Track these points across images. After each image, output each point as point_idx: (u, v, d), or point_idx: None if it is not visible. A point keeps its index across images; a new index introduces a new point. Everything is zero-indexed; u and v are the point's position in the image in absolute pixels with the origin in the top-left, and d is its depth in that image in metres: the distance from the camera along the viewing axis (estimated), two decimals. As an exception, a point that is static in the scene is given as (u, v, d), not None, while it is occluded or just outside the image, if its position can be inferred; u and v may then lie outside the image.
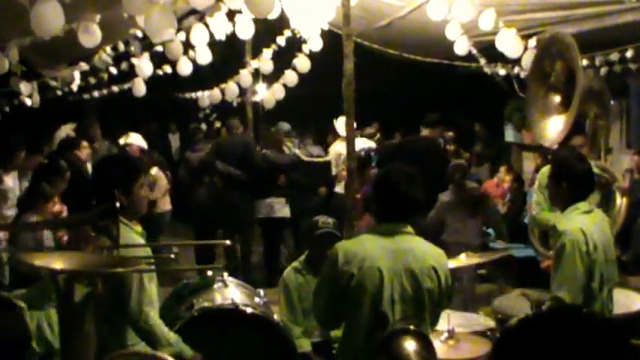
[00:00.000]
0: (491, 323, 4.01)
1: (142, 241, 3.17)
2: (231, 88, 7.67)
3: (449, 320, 3.52)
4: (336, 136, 8.49)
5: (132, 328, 3.04)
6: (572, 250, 3.33)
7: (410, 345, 2.64)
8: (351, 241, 3.19)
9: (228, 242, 4.38)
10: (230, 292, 3.90)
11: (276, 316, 3.92)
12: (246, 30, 5.24)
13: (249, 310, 3.70)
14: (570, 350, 1.16)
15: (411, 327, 2.75)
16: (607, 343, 1.17)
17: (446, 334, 3.59)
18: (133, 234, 3.13)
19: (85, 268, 2.02)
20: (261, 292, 4.14)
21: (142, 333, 3.04)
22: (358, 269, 2.86)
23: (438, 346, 3.56)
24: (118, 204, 2.62)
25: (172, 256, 2.76)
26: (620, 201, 4.37)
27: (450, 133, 8.50)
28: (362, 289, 2.87)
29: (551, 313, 1.15)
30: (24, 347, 2.23)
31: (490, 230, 8.63)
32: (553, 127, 4.40)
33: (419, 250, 2.96)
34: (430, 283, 2.90)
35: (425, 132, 7.55)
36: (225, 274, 4.11)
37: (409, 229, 2.99)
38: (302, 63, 6.74)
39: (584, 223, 3.43)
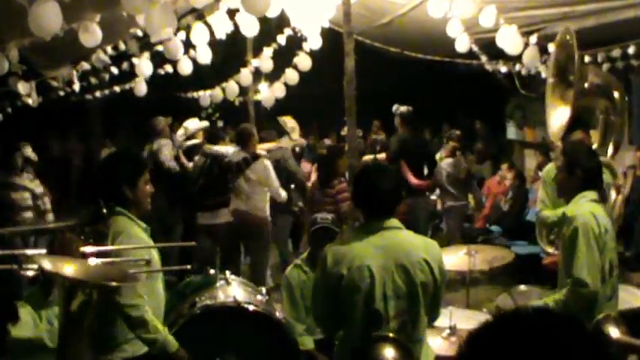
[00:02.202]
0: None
1: (145, 236, 3.20)
2: (232, 87, 7.65)
3: (451, 317, 3.52)
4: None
5: (121, 319, 3.05)
6: (585, 232, 3.33)
7: (388, 352, 2.63)
8: (340, 242, 3.17)
9: (194, 243, 4.33)
10: (232, 290, 3.89)
11: (278, 314, 3.92)
12: (250, 28, 5.16)
13: (251, 307, 3.70)
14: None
15: (390, 335, 2.74)
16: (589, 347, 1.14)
17: (448, 331, 3.59)
18: (137, 229, 3.17)
19: (87, 278, 2.01)
20: (264, 289, 4.14)
21: (130, 324, 3.05)
22: (348, 269, 2.85)
23: (440, 342, 3.57)
24: (105, 210, 2.65)
25: (147, 257, 2.79)
26: (615, 197, 4.33)
27: (457, 132, 8.47)
28: (353, 288, 2.85)
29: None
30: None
31: (494, 227, 8.64)
32: (556, 121, 4.37)
33: (408, 243, 2.94)
34: (423, 276, 2.87)
35: (402, 130, 7.57)
36: (228, 272, 4.11)
37: (396, 223, 2.96)
38: (303, 61, 6.73)
39: (594, 209, 3.44)
